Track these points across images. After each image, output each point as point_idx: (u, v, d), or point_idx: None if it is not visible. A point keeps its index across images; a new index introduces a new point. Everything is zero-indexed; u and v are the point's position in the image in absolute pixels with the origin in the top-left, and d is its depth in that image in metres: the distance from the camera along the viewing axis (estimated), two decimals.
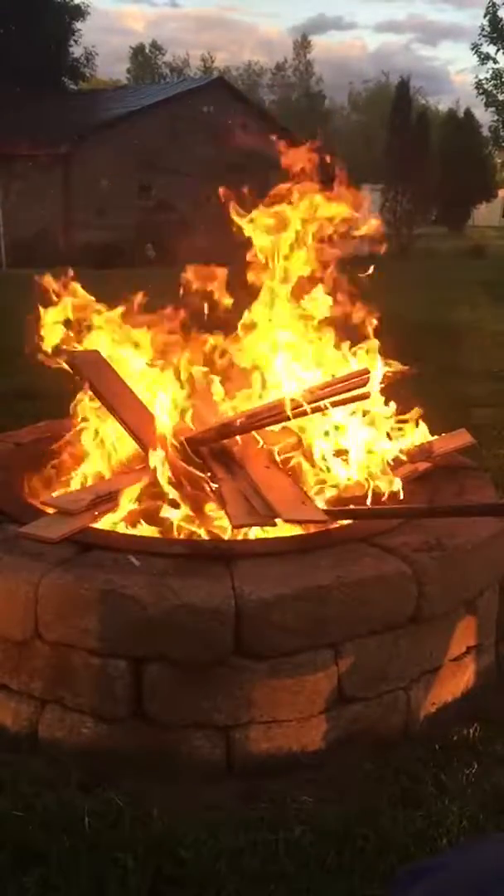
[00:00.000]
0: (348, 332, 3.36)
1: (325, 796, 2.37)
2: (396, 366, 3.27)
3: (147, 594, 2.40)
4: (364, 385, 3.01)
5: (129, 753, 2.45)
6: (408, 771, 2.47)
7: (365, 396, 3.05)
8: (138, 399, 3.12)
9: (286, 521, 2.66)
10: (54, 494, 3.08)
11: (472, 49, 30.91)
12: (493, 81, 31.32)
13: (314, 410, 3.00)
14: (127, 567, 2.53)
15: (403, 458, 3.20)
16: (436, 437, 3.39)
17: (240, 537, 2.83)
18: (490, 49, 30.50)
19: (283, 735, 2.49)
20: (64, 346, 3.17)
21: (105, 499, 2.77)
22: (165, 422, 3.01)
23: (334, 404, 3.02)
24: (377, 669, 2.58)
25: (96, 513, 2.74)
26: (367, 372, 3.04)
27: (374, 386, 3.08)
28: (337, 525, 2.95)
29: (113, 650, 2.43)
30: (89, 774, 2.40)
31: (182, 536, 2.87)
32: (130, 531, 2.88)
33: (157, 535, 2.89)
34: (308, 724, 2.51)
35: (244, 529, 2.84)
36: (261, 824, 2.25)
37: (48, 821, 2.22)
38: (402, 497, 2.99)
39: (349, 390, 3.01)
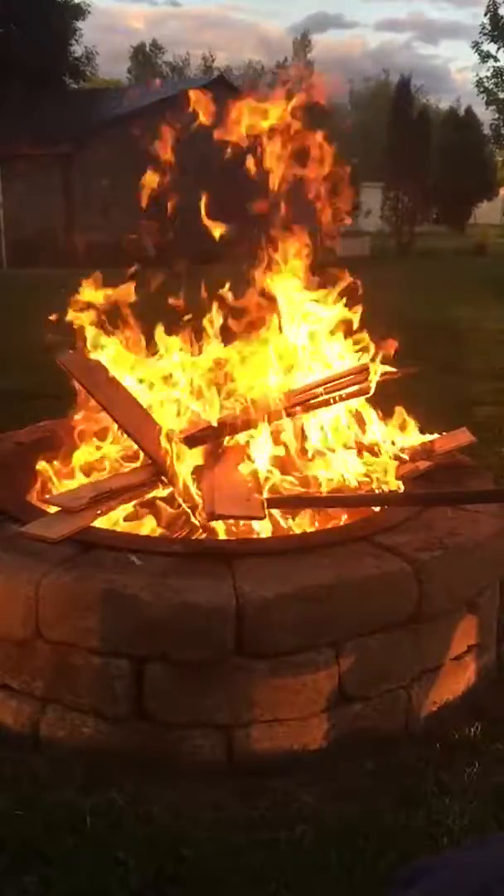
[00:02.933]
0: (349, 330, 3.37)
1: (326, 795, 2.37)
2: (390, 368, 3.28)
3: (148, 593, 2.39)
4: (364, 381, 3.01)
5: (130, 753, 2.45)
6: (409, 770, 2.47)
7: (365, 392, 3.06)
8: (131, 397, 3.13)
9: (218, 516, 2.67)
10: (54, 493, 3.08)
11: (473, 47, 30.90)
12: (493, 80, 31.33)
13: (314, 407, 3.01)
14: (128, 566, 2.53)
15: (404, 456, 3.20)
16: (437, 435, 3.39)
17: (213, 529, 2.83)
18: (491, 47, 30.51)
19: (284, 734, 2.49)
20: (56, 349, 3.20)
21: (105, 497, 2.77)
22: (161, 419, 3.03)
23: (334, 401, 3.03)
24: (378, 668, 2.58)
25: (98, 511, 2.74)
26: (366, 368, 3.04)
27: (374, 382, 3.09)
28: (338, 524, 2.96)
29: (114, 649, 2.43)
30: (90, 774, 2.40)
31: (182, 535, 2.88)
32: (131, 530, 2.89)
33: (157, 533, 2.89)
34: (309, 723, 2.51)
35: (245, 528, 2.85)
36: (262, 823, 2.25)
37: (49, 820, 2.22)
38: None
39: (349, 386, 3.01)
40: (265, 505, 2.74)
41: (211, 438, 3.04)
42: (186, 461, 2.94)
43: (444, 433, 3.42)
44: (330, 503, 2.98)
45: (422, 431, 3.42)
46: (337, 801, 2.34)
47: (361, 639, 2.53)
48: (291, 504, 2.93)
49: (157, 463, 2.91)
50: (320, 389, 3.06)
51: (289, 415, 3.06)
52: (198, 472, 2.95)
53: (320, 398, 3.06)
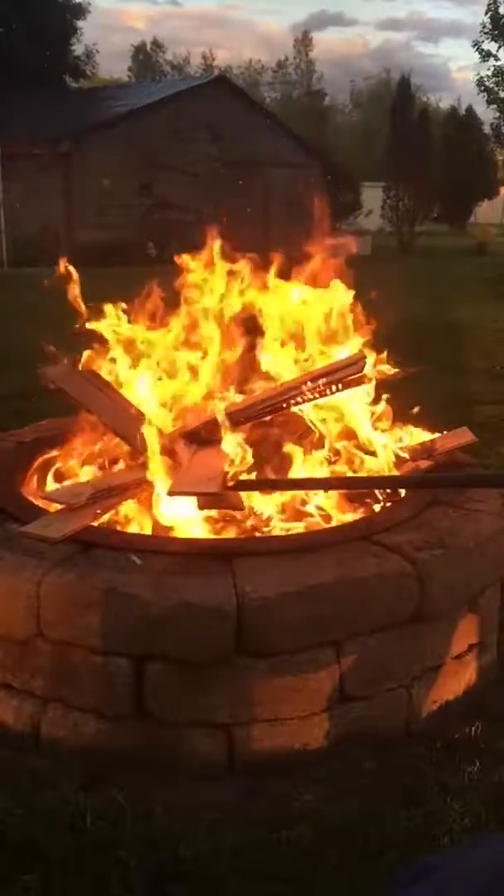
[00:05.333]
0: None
1: (326, 795, 2.37)
2: (388, 369, 3.29)
3: (148, 593, 2.39)
4: (360, 371, 3.02)
5: (130, 752, 2.46)
6: (409, 769, 2.47)
7: (361, 382, 3.07)
8: (123, 400, 3.14)
9: (172, 493, 2.70)
10: (54, 488, 3.09)
11: (474, 46, 30.87)
12: (494, 79, 31.29)
13: (313, 397, 3.02)
14: (128, 565, 2.53)
15: (405, 455, 3.20)
16: (437, 434, 3.39)
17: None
18: (491, 46, 30.47)
19: (285, 733, 2.49)
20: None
21: (105, 494, 2.77)
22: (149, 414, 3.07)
23: (331, 391, 3.04)
24: (379, 667, 2.58)
25: (98, 510, 2.75)
26: (362, 358, 3.05)
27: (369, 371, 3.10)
28: (339, 523, 2.96)
29: (114, 649, 2.43)
30: (91, 773, 2.40)
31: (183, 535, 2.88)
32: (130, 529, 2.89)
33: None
34: (309, 722, 2.51)
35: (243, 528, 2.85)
36: (262, 823, 2.25)
37: (50, 819, 2.22)
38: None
39: (345, 377, 3.03)
40: (226, 484, 2.71)
41: (208, 433, 3.04)
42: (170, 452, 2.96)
43: (444, 432, 3.42)
44: (303, 486, 2.96)
45: (422, 430, 3.41)
46: (337, 800, 2.34)
47: (362, 638, 2.53)
48: (260, 486, 2.90)
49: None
50: (322, 381, 3.06)
51: (285, 406, 3.06)
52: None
53: (316, 389, 3.05)
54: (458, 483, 3.06)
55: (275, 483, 2.93)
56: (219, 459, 2.83)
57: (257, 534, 2.91)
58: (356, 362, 3.05)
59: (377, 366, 3.24)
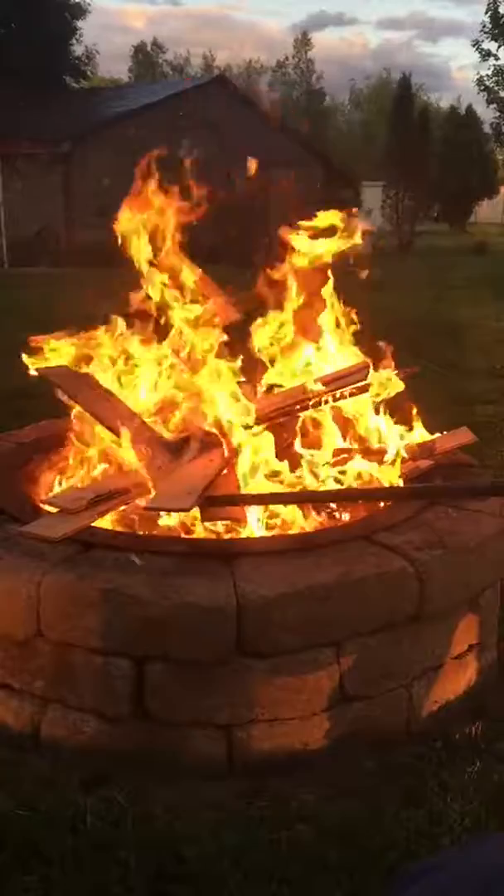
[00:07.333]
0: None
1: (326, 795, 2.37)
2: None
3: (149, 593, 2.40)
4: (365, 378, 3.03)
5: (130, 752, 2.46)
6: (410, 769, 2.47)
7: (365, 389, 3.08)
8: (120, 404, 3.15)
9: (146, 509, 2.72)
10: (54, 493, 3.09)
11: (474, 45, 30.95)
12: (494, 78, 31.35)
13: (315, 405, 3.02)
14: (128, 566, 2.53)
15: (406, 455, 3.20)
16: (437, 434, 3.39)
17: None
18: (491, 45, 30.55)
19: (285, 733, 2.49)
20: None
21: (105, 497, 2.77)
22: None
23: (336, 398, 3.05)
24: (379, 667, 2.58)
25: (98, 512, 2.74)
26: (367, 365, 3.06)
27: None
28: (340, 523, 2.96)
29: (115, 649, 2.43)
30: (91, 773, 2.40)
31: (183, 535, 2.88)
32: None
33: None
34: (310, 722, 2.51)
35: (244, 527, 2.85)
36: (262, 822, 2.25)
37: (50, 820, 2.22)
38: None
39: (351, 384, 3.03)
40: (198, 499, 2.67)
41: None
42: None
43: (444, 432, 3.42)
44: (281, 500, 2.96)
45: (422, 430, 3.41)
46: (337, 800, 2.34)
47: (362, 638, 2.53)
48: (234, 501, 2.89)
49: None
50: (321, 387, 3.07)
51: (289, 413, 3.07)
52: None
53: (321, 397, 3.06)
54: (428, 495, 3.03)
55: (250, 497, 2.92)
56: (209, 469, 2.83)
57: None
58: (360, 370, 3.06)
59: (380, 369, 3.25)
